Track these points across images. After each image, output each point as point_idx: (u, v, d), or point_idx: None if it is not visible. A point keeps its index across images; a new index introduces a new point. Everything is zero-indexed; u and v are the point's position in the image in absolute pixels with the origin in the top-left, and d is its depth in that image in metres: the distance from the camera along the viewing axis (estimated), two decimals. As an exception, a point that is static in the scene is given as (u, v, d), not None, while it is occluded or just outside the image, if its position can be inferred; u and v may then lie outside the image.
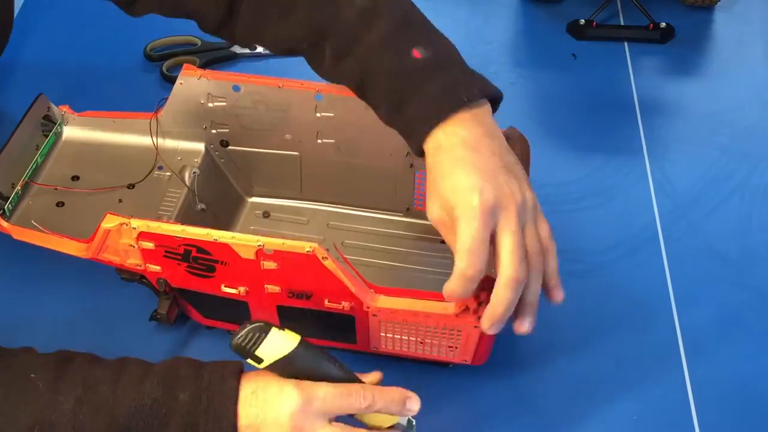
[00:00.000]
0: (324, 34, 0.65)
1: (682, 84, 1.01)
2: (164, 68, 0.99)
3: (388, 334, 0.65)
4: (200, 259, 0.63)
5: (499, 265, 0.56)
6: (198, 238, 0.61)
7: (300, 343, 0.58)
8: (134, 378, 0.58)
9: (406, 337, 0.64)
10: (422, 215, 0.72)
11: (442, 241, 0.64)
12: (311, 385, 0.57)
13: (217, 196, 0.79)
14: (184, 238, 0.61)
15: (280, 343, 0.57)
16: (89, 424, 0.56)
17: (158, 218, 0.71)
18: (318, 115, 0.73)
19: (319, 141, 0.75)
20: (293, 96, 0.72)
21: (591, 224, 0.83)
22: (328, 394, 0.57)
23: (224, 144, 0.78)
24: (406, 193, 0.76)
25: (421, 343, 0.64)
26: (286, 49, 0.70)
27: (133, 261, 0.66)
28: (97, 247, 0.65)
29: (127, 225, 0.62)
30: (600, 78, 1.02)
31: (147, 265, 0.65)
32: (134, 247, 0.63)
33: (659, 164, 0.90)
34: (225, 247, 0.61)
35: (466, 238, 0.55)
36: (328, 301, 0.63)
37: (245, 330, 0.57)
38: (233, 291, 0.65)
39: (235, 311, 0.67)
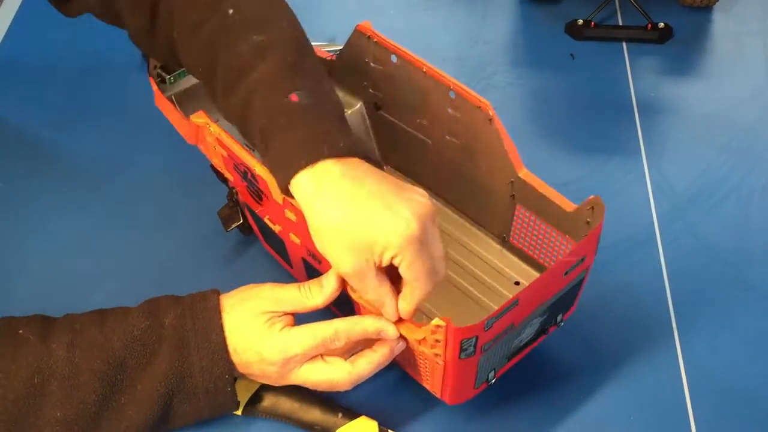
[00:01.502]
0: (216, 65, 0.64)
1: (680, 84, 1.02)
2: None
3: None
4: (252, 183, 0.66)
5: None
6: (248, 164, 0.64)
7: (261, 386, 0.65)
8: (119, 316, 0.61)
9: None
10: (515, 249, 0.76)
11: (517, 282, 0.74)
12: (287, 346, 0.59)
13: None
14: (241, 159, 0.65)
15: (248, 382, 0.65)
16: (85, 365, 0.59)
17: None
18: (449, 111, 0.73)
19: (447, 137, 0.75)
20: (432, 84, 0.73)
21: (589, 224, 0.83)
22: (307, 349, 0.59)
23: (377, 107, 0.81)
24: (506, 220, 0.74)
25: (403, 356, 0.63)
26: (195, 73, 0.69)
27: (218, 162, 0.71)
28: (194, 136, 0.70)
29: (208, 126, 0.67)
30: (598, 78, 1.02)
31: (224, 170, 0.71)
32: (216, 149, 0.68)
33: (657, 164, 0.90)
34: (264, 181, 0.63)
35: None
36: None
37: None
38: (273, 226, 0.68)
39: (281, 247, 0.71)
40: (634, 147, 0.92)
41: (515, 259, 0.76)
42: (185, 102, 0.80)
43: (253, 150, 0.77)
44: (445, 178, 0.79)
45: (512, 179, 0.70)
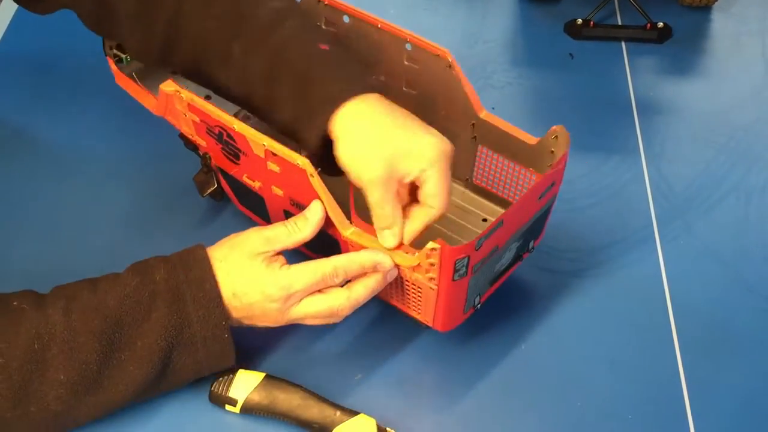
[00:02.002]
0: (238, 28, 0.68)
1: (679, 84, 1.02)
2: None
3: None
4: (229, 143, 0.68)
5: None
6: (226, 123, 0.66)
7: (264, 377, 0.65)
8: (109, 279, 0.63)
9: None
10: (478, 189, 0.79)
11: (485, 219, 0.77)
12: (289, 282, 0.62)
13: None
14: (217, 120, 0.66)
15: (246, 380, 0.65)
16: (83, 327, 0.60)
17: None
18: (406, 63, 0.75)
19: (405, 89, 0.77)
20: (388, 39, 0.74)
21: (587, 223, 0.83)
22: (308, 284, 0.62)
23: None
24: (468, 162, 0.77)
25: (392, 289, 0.66)
26: (200, 49, 0.70)
27: (187, 129, 0.72)
28: (162, 107, 0.72)
29: (179, 93, 0.68)
30: (597, 78, 1.02)
31: (195, 137, 0.71)
32: (186, 116, 0.70)
33: (656, 164, 0.90)
34: (243, 138, 0.65)
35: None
36: None
37: (216, 380, 0.65)
38: (252, 183, 0.70)
39: (258, 205, 0.73)
40: (632, 146, 0.92)
41: (479, 198, 0.79)
42: (145, 78, 0.81)
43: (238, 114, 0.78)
44: None
45: (473, 121, 0.73)
